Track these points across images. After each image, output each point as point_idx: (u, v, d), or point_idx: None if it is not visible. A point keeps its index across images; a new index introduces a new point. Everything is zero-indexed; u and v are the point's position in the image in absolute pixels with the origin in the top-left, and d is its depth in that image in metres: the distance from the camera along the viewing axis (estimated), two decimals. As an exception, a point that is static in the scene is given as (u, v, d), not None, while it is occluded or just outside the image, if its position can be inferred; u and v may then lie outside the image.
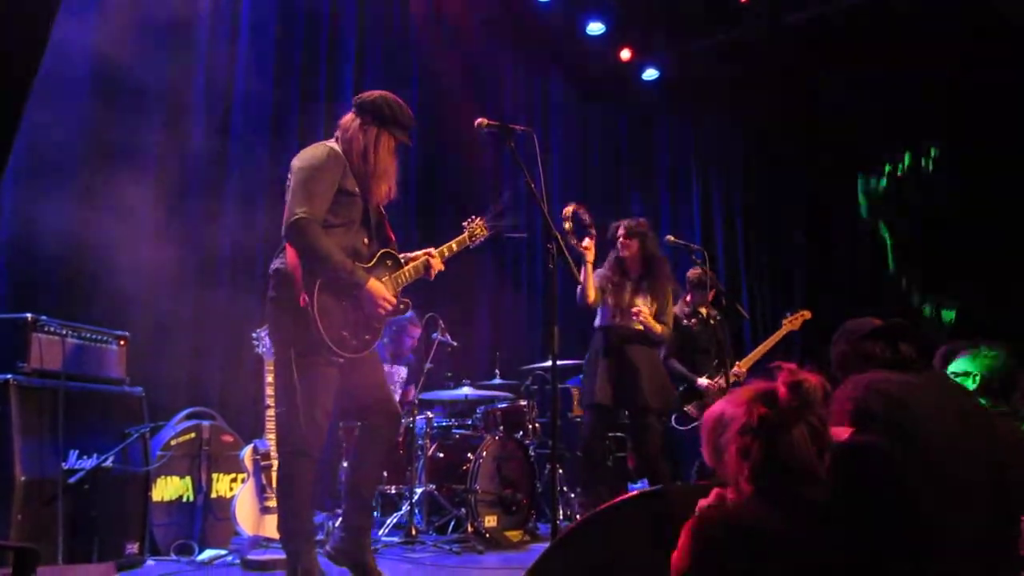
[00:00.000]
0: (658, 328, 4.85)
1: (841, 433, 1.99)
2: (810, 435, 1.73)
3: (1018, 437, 2.87)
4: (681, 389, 5.73)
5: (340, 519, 3.59)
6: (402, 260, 3.61)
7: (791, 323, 6.07)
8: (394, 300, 3.44)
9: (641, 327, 4.81)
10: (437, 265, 3.66)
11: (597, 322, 5.01)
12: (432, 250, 3.68)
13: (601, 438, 4.98)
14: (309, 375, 3.27)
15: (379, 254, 3.53)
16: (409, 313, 5.63)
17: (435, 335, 5.42)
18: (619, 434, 6.05)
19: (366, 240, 3.48)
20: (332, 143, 3.46)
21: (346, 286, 3.32)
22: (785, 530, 1.70)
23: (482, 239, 3.89)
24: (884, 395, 2.13)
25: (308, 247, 3.24)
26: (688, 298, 5.93)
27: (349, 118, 3.50)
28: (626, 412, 4.97)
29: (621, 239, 4.96)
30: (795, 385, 1.75)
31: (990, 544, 2.18)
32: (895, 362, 2.35)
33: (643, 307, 4.81)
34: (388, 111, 3.47)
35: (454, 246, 3.76)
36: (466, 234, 3.84)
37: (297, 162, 3.37)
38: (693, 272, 5.88)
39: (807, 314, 6.10)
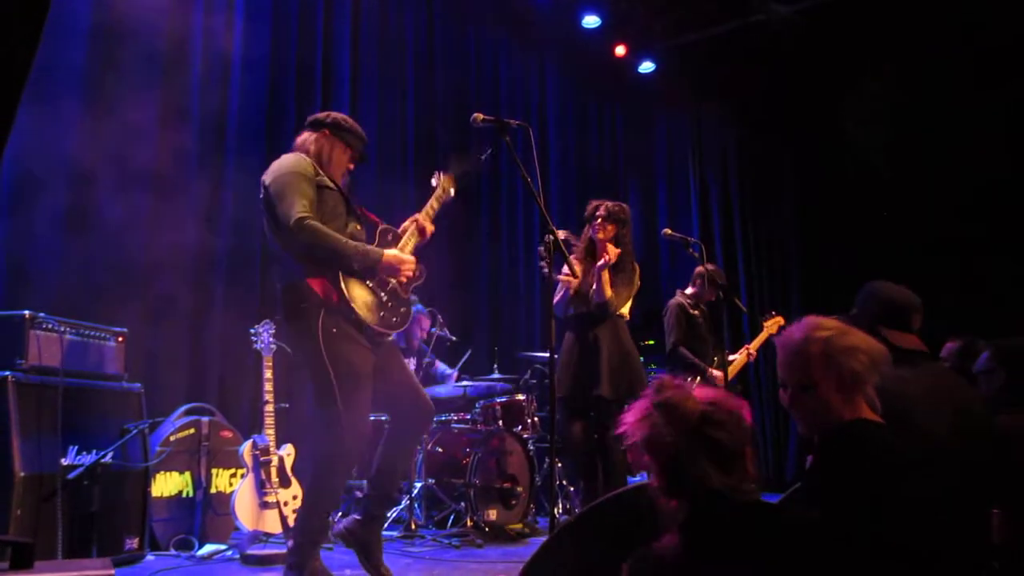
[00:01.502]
0: (608, 292, 4.60)
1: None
2: (705, 452, 1.71)
3: None
4: (690, 378, 5.72)
5: (362, 502, 3.62)
6: (399, 232, 3.65)
7: (769, 327, 6.08)
8: (414, 260, 3.49)
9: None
10: (428, 226, 3.67)
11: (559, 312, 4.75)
12: (417, 215, 3.70)
13: (580, 432, 4.71)
14: (348, 375, 3.26)
15: (379, 232, 3.58)
16: (418, 305, 5.71)
17: (433, 329, 5.42)
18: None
19: (358, 227, 3.53)
20: (296, 153, 3.52)
21: (365, 268, 3.34)
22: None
23: (453, 188, 3.86)
24: (880, 389, 2.14)
25: (317, 242, 3.25)
26: (690, 290, 5.86)
27: (305, 135, 3.59)
28: (582, 401, 4.68)
29: (599, 220, 4.72)
30: (666, 413, 1.74)
31: (972, 531, 2.20)
32: (896, 355, 2.36)
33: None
34: (342, 124, 3.59)
35: (435, 204, 3.77)
36: (440, 189, 3.83)
37: (269, 176, 3.39)
38: (708, 269, 5.76)
39: (781, 320, 6.10)
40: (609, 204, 4.77)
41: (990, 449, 2.49)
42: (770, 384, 8.61)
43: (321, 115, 3.67)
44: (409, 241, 3.60)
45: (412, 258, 3.48)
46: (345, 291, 3.27)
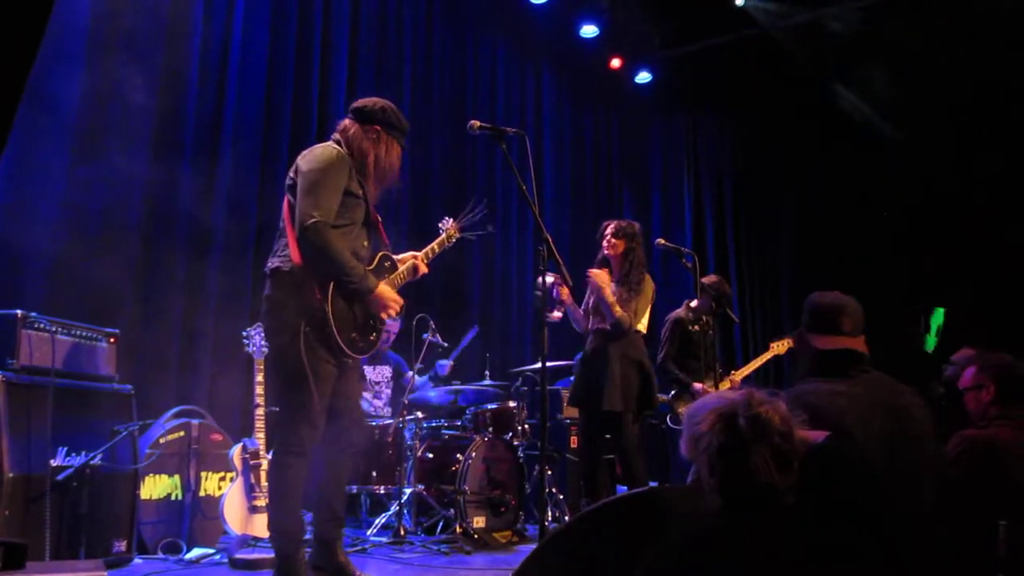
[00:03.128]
0: (617, 311, 4.64)
1: (816, 436, 2.03)
2: (771, 456, 1.77)
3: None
4: (675, 391, 5.74)
5: (312, 531, 3.59)
6: (397, 261, 3.70)
7: (778, 347, 6.08)
8: (402, 302, 3.53)
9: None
10: (422, 268, 3.76)
11: (578, 327, 4.91)
12: (417, 253, 3.78)
13: (588, 439, 4.84)
14: (316, 373, 3.28)
15: (379, 256, 3.59)
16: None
17: (425, 336, 5.42)
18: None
19: (366, 243, 3.53)
20: (336, 145, 3.49)
21: (356, 291, 3.36)
22: (752, 542, 1.74)
23: (456, 239, 3.98)
24: (812, 408, 2.15)
25: (323, 251, 3.27)
26: (694, 303, 5.81)
27: (351, 125, 3.54)
28: (593, 414, 4.78)
29: (608, 238, 4.84)
30: (752, 418, 1.79)
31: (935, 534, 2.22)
32: (823, 359, 2.38)
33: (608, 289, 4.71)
34: (393, 119, 3.56)
35: (436, 247, 3.87)
36: (444, 236, 3.93)
37: (305, 164, 3.38)
38: (710, 280, 5.73)
39: (791, 342, 6.10)
40: (617, 222, 4.90)
41: (933, 456, 2.49)
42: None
43: (371, 105, 3.57)
44: (401, 276, 3.65)
45: (400, 300, 3.52)
46: (330, 301, 3.28)
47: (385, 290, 3.44)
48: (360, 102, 3.61)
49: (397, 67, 7.03)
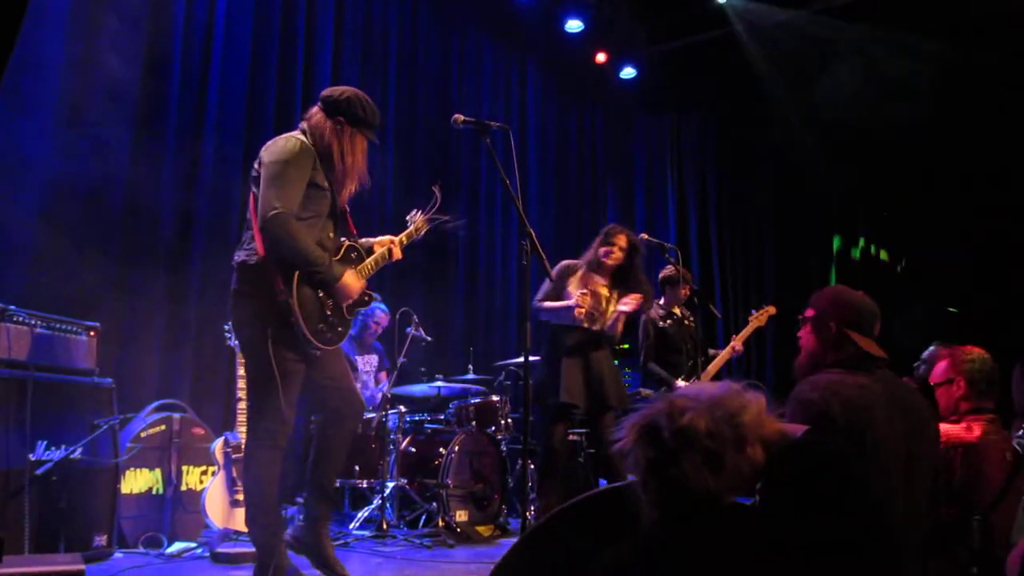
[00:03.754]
0: (620, 328, 4.86)
1: (796, 430, 2.03)
2: (703, 461, 1.69)
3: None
4: (660, 391, 5.75)
5: (303, 508, 3.60)
6: (363, 250, 3.66)
7: (757, 319, 6.06)
8: (364, 290, 3.53)
9: (585, 322, 4.81)
10: (397, 253, 3.72)
11: (554, 319, 4.88)
12: (394, 239, 3.74)
13: (564, 436, 4.91)
14: (280, 368, 3.27)
15: (344, 247, 3.56)
16: (380, 304, 5.75)
17: (408, 329, 5.41)
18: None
19: (331, 234, 3.51)
20: (300, 136, 3.43)
21: (321, 281, 3.34)
22: (693, 551, 1.69)
23: (424, 231, 3.95)
24: (844, 401, 2.17)
25: (286, 242, 3.24)
26: (662, 300, 5.92)
27: (319, 115, 3.48)
28: (585, 410, 4.86)
29: (617, 248, 4.83)
30: (676, 431, 1.71)
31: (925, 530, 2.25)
32: (860, 359, 2.41)
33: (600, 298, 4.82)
34: (361, 111, 3.49)
35: (404, 239, 3.83)
36: (412, 228, 3.89)
37: (267, 155, 3.34)
38: (665, 272, 5.87)
39: (772, 309, 6.09)
40: (629, 234, 4.92)
41: (938, 454, 2.54)
42: (754, 377, 8.66)
43: (339, 96, 3.50)
44: (369, 266, 3.62)
45: (364, 289, 3.52)
46: (295, 293, 3.26)
47: (350, 278, 3.43)
48: (328, 91, 3.55)
49: (382, 61, 7.00)
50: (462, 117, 3.49)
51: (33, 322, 3.77)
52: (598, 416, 4.81)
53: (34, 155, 4.55)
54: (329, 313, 3.40)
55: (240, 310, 3.36)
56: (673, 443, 1.70)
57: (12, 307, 3.69)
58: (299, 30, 6.22)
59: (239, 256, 3.38)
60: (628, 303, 4.75)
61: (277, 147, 3.36)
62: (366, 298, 3.59)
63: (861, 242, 9.13)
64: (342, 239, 3.58)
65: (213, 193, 5.41)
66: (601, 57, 8.90)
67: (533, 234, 3.43)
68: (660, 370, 5.70)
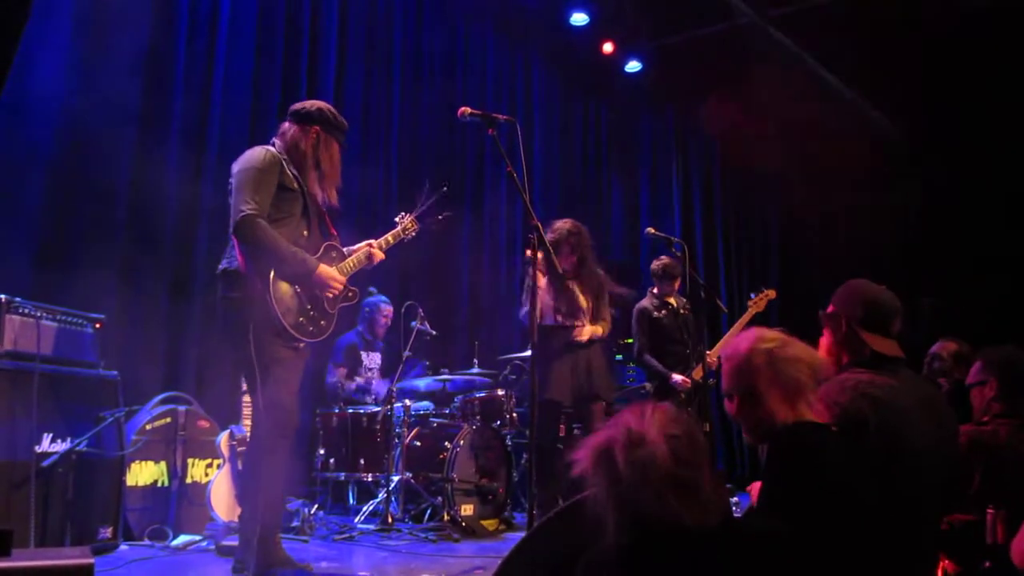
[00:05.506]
0: (599, 331, 4.96)
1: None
2: (670, 490, 1.63)
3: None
4: (656, 384, 5.73)
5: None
6: (346, 252, 3.80)
7: (756, 305, 6.02)
8: (343, 280, 3.62)
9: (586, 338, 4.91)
10: (377, 255, 3.84)
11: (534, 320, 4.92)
12: (372, 241, 3.87)
13: (552, 434, 5.01)
14: (272, 361, 3.39)
15: (324, 246, 3.69)
16: (380, 296, 5.75)
17: (414, 323, 5.40)
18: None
19: (306, 232, 3.62)
20: (269, 147, 3.61)
21: (297, 274, 3.47)
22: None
23: (414, 232, 4.09)
24: (873, 400, 2.15)
25: (258, 241, 3.38)
26: (655, 290, 5.90)
27: (292, 128, 3.67)
28: (572, 404, 4.97)
29: (565, 251, 4.90)
30: (632, 464, 1.65)
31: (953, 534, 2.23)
32: (874, 360, 2.36)
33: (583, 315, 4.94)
34: (331, 117, 3.68)
35: (390, 239, 3.97)
36: (399, 228, 4.04)
37: (237, 166, 3.54)
38: (656, 264, 5.86)
39: (771, 293, 6.05)
40: (565, 232, 4.96)
41: (958, 455, 2.50)
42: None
43: (307, 107, 3.71)
44: (350, 264, 3.74)
45: (342, 279, 3.62)
46: (271, 289, 3.38)
47: (326, 269, 3.55)
48: (298, 105, 3.75)
49: (387, 55, 6.98)
50: (469, 110, 3.51)
51: (39, 314, 3.76)
52: (586, 408, 4.91)
53: (38, 149, 4.54)
54: (309, 307, 3.53)
55: (227, 317, 3.49)
56: (632, 478, 1.65)
57: (18, 299, 3.67)
58: (304, 24, 6.19)
59: (222, 265, 3.53)
60: (579, 334, 4.91)
61: (245, 157, 3.55)
62: (350, 294, 3.71)
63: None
64: (326, 243, 3.72)
65: (217, 185, 5.38)
66: (608, 47, 8.84)
67: (540, 226, 3.44)
68: (655, 363, 5.68)
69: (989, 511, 2.40)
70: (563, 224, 4.99)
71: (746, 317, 6.01)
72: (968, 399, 3.18)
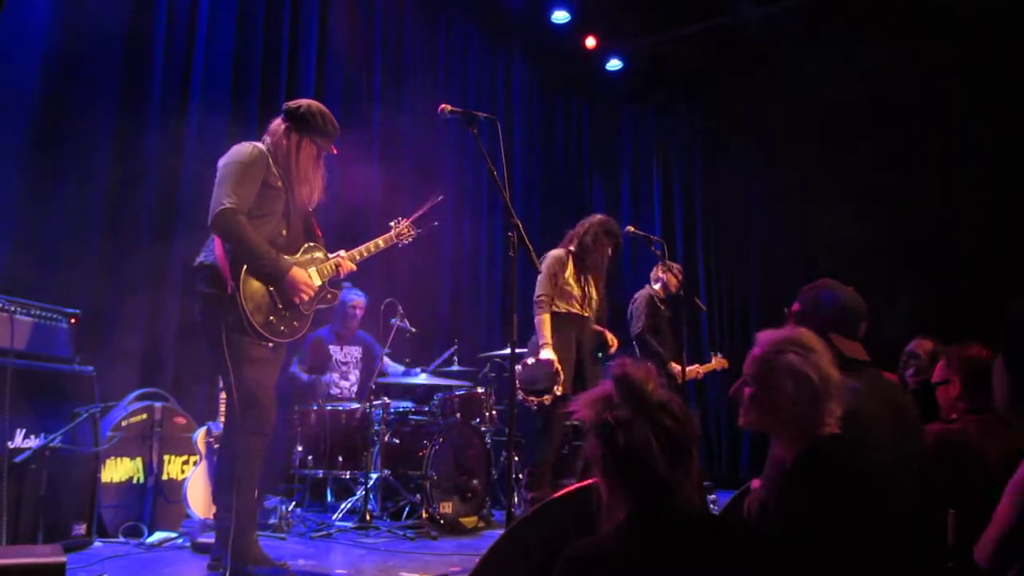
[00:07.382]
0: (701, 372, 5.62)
1: None
2: (655, 436, 1.64)
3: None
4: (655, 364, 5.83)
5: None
6: (328, 255, 3.80)
7: (714, 364, 6.44)
8: (316, 287, 3.60)
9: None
10: (346, 265, 3.82)
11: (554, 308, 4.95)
12: (342, 252, 3.85)
13: (564, 430, 5.04)
14: (245, 358, 3.40)
15: (305, 246, 3.70)
16: (356, 291, 5.73)
17: (393, 320, 5.39)
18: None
19: (284, 231, 3.62)
20: (258, 143, 3.61)
21: (269, 274, 3.46)
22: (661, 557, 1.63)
23: (411, 238, 4.10)
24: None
25: (233, 236, 3.39)
26: (658, 285, 6.15)
27: (277, 122, 3.66)
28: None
29: (608, 247, 5.03)
30: (625, 388, 1.69)
31: (918, 534, 2.25)
32: (841, 362, 2.38)
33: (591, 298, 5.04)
34: (312, 120, 3.63)
35: (381, 243, 3.97)
36: (392, 233, 4.05)
37: (223, 160, 3.54)
38: (665, 273, 6.12)
39: (725, 363, 6.49)
40: (611, 227, 5.11)
41: (924, 454, 2.52)
42: (728, 382, 8.69)
43: (295, 106, 3.67)
44: (329, 268, 3.73)
45: (314, 285, 3.60)
46: (241, 286, 3.38)
47: (299, 273, 3.53)
48: (291, 102, 3.72)
49: (366, 51, 6.95)
50: (449, 107, 3.51)
51: (12, 308, 3.71)
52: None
53: (12, 141, 4.48)
54: (282, 307, 3.52)
55: (203, 308, 3.49)
56: (627, 407, 1.67)
57: (-9, 294, 3.63)
58: (284, 22, 6.15)
59: (198, 259, 3.53)
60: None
61: (231, 152, 3.55)
62: (328, 295, 3.72)
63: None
64: (309, 243, 3.73)
65: (196, 179, 5.34)
66: (591, 42, 8.86)
67: (520, 225, 3.43)
68: (657, 344, 5.82)
69: (951, 512, 2.41)
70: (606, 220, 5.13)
71: (707, 367, 6.43)
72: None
